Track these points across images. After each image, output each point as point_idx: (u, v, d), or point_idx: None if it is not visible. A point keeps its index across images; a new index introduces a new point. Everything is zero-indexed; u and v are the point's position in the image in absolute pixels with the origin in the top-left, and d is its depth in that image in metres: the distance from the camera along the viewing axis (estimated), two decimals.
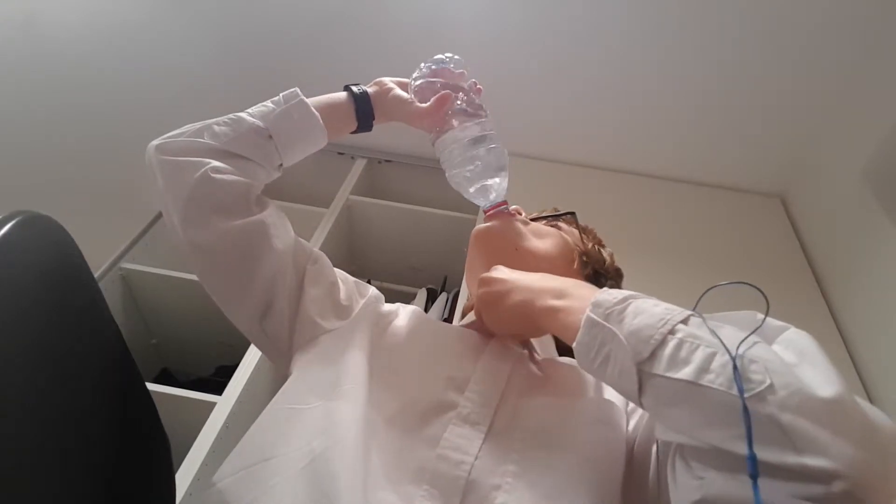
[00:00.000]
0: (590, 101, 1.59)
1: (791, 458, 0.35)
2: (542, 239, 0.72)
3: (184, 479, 0.98)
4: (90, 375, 0.62)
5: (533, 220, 0.77)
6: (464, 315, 0.86)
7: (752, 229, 1.55)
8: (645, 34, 1.45)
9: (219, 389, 1.15)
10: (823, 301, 1.33)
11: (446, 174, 0.72)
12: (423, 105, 0.70)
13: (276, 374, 1.29)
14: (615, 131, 1.64)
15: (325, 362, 0.59)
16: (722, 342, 0.40)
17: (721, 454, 0.38)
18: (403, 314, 0.67)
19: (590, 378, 0.63)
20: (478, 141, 0.70)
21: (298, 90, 0.66)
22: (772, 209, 1.61)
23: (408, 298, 1.75)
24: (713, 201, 1.63)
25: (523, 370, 0.62)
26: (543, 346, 0.72)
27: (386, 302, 0.70)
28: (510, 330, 0.63)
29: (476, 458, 0.51)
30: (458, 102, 0.71)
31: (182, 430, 0.93)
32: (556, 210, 0.81)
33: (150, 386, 0.85)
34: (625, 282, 0.77)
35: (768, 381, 0.37)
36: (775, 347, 0.41)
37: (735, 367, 0.38)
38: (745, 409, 0.36)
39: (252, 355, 1.23)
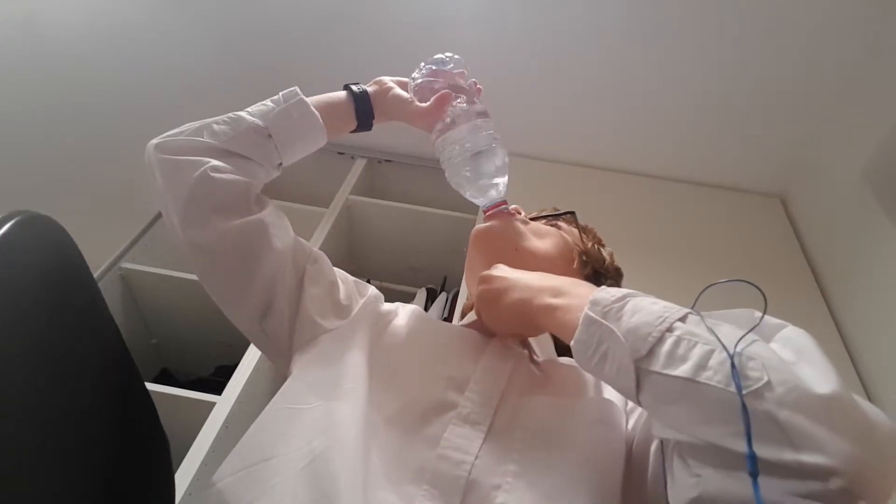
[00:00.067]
0: (590, 101, 1.59)
1: (788, 455, 0.35)
2: (541, 238, 0.72)
3: (183, 479, 0.98)
4: (90, 375, 0.62)
5: (532, 219, 0.77)
6: (463, 315, 0.86)
7: (752, 229, 1.55)
8: (645, 34, 1.45)
9: (218, 389, 1.15)
10: (823, 301, 1.33)
11: (446, 174, 0.72)
12: (423, 105, 0.70)
13: (275, 374, 1.30)
14: (615, 131, 1.64)
15: (325, 362, 0.59)
16: (720, 340, 0.40)
17: (718, 451, 0.38)
18: (403, 313, 0.67)
19: (590, 378, 0.63)
20: (478, 141, 0.70)
21: (298, 89, 0.66)
22: (772, 209, 1.61)
23: (408, 298, 1.75)
24: (713, 201, 1.63)
25: (524, 370, 0.62)
26: (542, 347, 0.72)
27: (386, 302, 0.70)
28: (508, 328, 0.63)
29: (476, 458, 0.51)
30: (458, 102, 0.71)
31: (182, 430, 0.93)
32: (555, 209, 0.81)
33: (150, 386, 0.85)
34: (625, 281, 0.77)
35: (766, 378, 0.37)
36: (773, 345, 0.41)
37: (733, 365, 0.38)
38: (744, 406, 0.37)
39: (252, 355, 1.23)
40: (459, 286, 1.52)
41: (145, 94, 1.46)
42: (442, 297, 1.70)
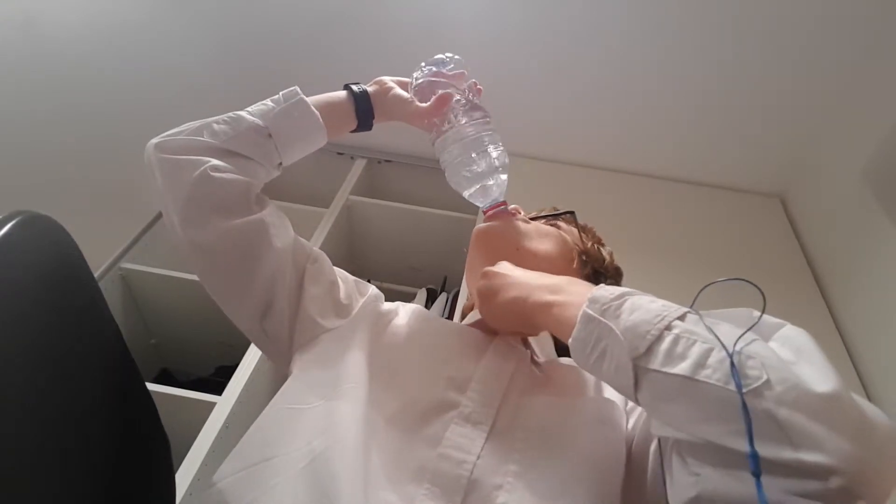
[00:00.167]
0: (590, 101, 1.59)
1: (788, 454, 0.35)
2: (542, 238, 0.72)
3: (184, 479, 0.98)
4: (90, 375, 0.62)
5: (532, 219, 0.77)
6: (464, 315, 0.86)
7: (751, 229, 1.55)
8: (645, 34, 1.45)
9: (219, 389, 1.15)
10: (823, 301, 1.33)
11: (446, 174, 0.72)
12: (424, 105, 0.70)
13: (276, 374, 1.30)
14: (615, 131, 1.64)
15: (325, 362, 0.59)
16: (718, 338, 0.40)
17: (717, 450, 0.38)
18: (403, 313, 0.67)
19: (590, 378, 0.63)
20: (478, 141, 0.70)
21: (298, 89, 0.66)
22: (772, 209, 1.62)
23: (408, 298, 1.75)
24: (713, 201, 1.63)
25: (525, 370, 0.62)
26: (543, 347, 0.72)
27: (386, 302, 0.70)
28: (506, 325, 0.63)
29: (478, 458, 0.51)
30: (458, 102, 0.71)
31: (182, 430, 0.93)
32: (555, 209, 0.81)
33: (150, 386, 0.85)
34: (625, 281, 0.77)
35: (765, 377, 0.37)
36: (772, 344, 0.41)
37: (732, 364, 0.38)
38: (745, 405, 0.37)
39: (252, 355, 1.23)
40: (459, 286, 1.52)
41: (145, 94, 1.46)
42: (442, 298, 1.70)
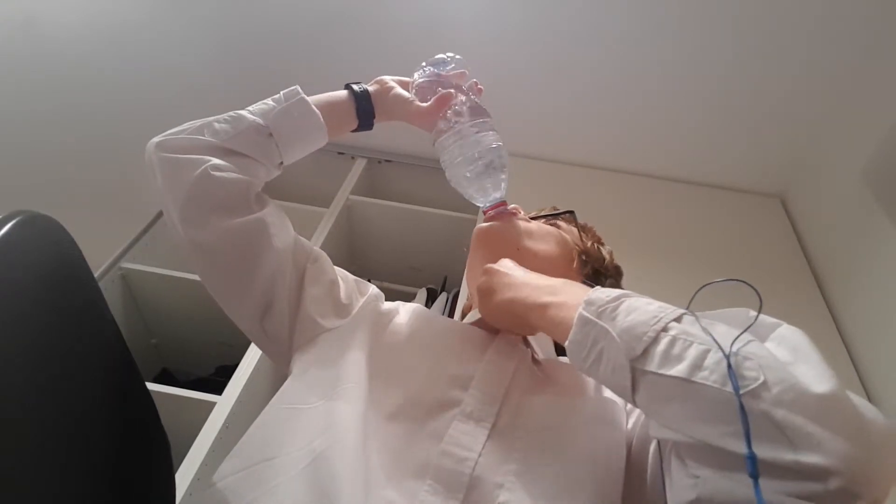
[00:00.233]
0: (590, 101, 1.59)
1: (786, 455, 0.35)
2: (542, 238, 0.72)
3: (184, 478, 0.98)
4: (90, 375, 0.62)
5: (532, 219, 0.77)
6: (463, 315, 0.86)
7: (751, 229, 1.55)
8: (645, 34, 1.45)
9: (219, 389, 1.15)
10: (823, 301, 1.33)
11: (446, 174, 0.72)
12: (424, 104, 0.70)
13: (276, 374, 1.30)
14: (615, 131, 1.64)
15: (325, 362, 0.59)
16: (715, 340, 0.40)
17: (715, 452, 0.38)
18: (404, 312, 0.67)
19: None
20: (478, 141, 0.70)
21: (299, 88, 0.66)
22: (772, 209, 1.61)
23: (408, 298, 1.75)
24: (713, 201, 1.63)
25: (526, 368, 0.62)
26: (543, 346, 0.72)
27: (386, 301, 0.70)
28: (503, 324, 0.63)
29: (480, 455, 0.51)
30: (459, 101, 0.71)
31: (182, 430, 0.93)
32: (554, 209, 0.81)
33: (150, 386, 0.85)
34: (624, 281, 0.77)
35: (762, 378, 0.37)
36: (769, 345, 0.41)
37: (729, 365, 0.38)
38: (742, 406, 0.36)
39: (252, 355, 1.23)
40: (459, 286, 1.52)
41: (145, 94, 1.46)
42: (442, 298, 1.70)
